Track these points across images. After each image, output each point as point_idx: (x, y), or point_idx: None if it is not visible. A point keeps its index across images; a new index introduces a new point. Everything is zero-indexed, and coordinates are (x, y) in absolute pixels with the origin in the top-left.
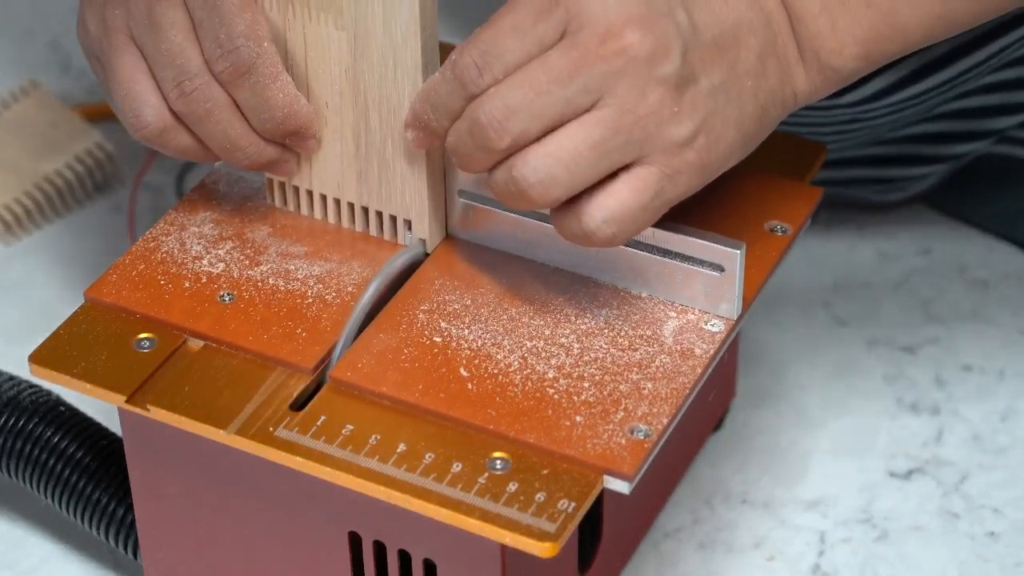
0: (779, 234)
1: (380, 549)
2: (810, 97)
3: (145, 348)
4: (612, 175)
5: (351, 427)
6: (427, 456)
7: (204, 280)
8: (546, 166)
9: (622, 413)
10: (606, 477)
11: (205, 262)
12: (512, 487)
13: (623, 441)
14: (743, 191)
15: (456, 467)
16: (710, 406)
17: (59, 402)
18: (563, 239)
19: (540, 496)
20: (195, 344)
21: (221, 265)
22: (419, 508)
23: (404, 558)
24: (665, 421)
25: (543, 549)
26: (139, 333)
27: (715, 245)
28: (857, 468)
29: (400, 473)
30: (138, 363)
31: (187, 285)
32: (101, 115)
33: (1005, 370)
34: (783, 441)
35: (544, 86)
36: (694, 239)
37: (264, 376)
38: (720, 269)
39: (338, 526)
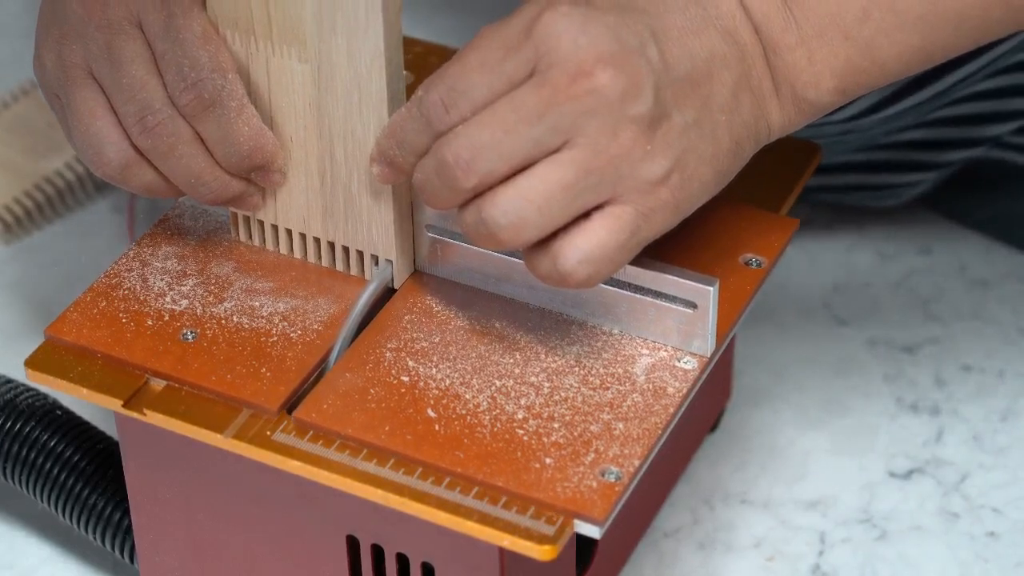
0: (754, 267)
1: (378, 553)
2: (784, 130)
3: None
4: (585, 214)
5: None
6: None
7: (167, 318)
8: (516, 208)
9: (593, 455)
10: (576, 521)
11: (168, 299)
12: None
13: (594, 484)
14: (718, 223)
15: None
16: (706, 408)
17: (56, 405)
18: (535, 276)
19: None
20: (157, 384)
21: (184, 302)
22: (417, 511)
23: (402, 561)
24: (637, 463)
25: (542, 552)
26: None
27: (687, 282)
28: (857, 468)
29: (398, 476)
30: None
31: (149, 323)
32: None
33: (1005, 370)
34: (783, 441)
35: (512, 125)
36: (666, 275)
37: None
38: (693, 306)
39: (336, 530)
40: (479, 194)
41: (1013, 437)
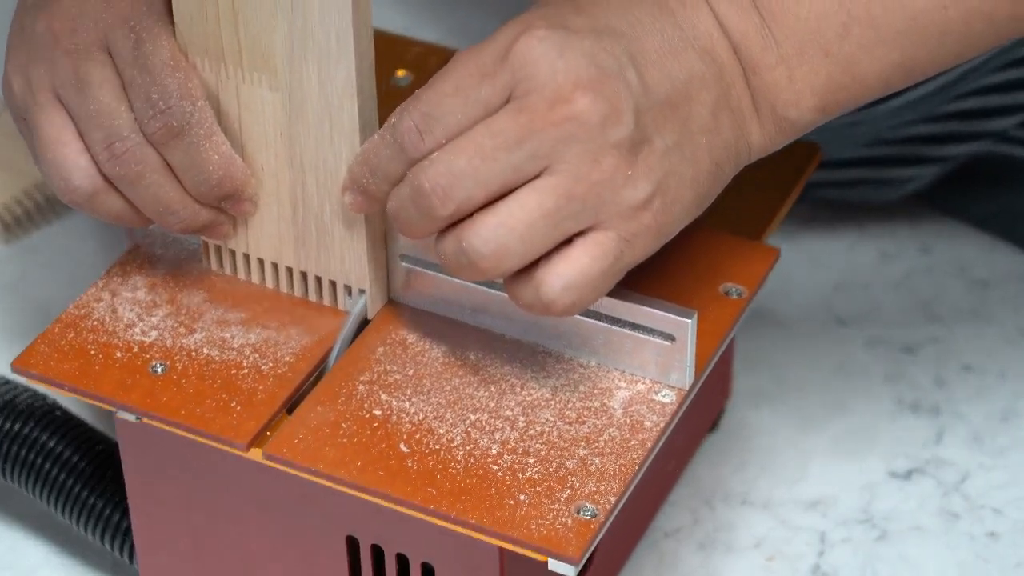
0: (734, 297)
1: (378, 553)
2: (765, 150)
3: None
4: (567, 241)
5: None
6: None
7: (136, 350)
8: (498, 237)
9: (568, 491)
10: (551, 560)
11: (137, 330)
12: None
13: (569, 521)
14: (697, 251)
15: None
16: (706, 408)
17: (55, 406)
18: (513, 306)
19: None
20: (127, 418)
21: (154, 333)
22: (417, 511)
23: (402, 562)
24: (613, 500)
25: None
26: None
27: (665, 314)
28: (857, 468)
29: None
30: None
31: (118, 355)
32: None
33: (1005, 370)
34: (783, 441)
35: (490, 152)
36: (644, 307)
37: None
38: (671, 338)
39: (336, 530)
40: (456, 223)
41: (1013, 437)
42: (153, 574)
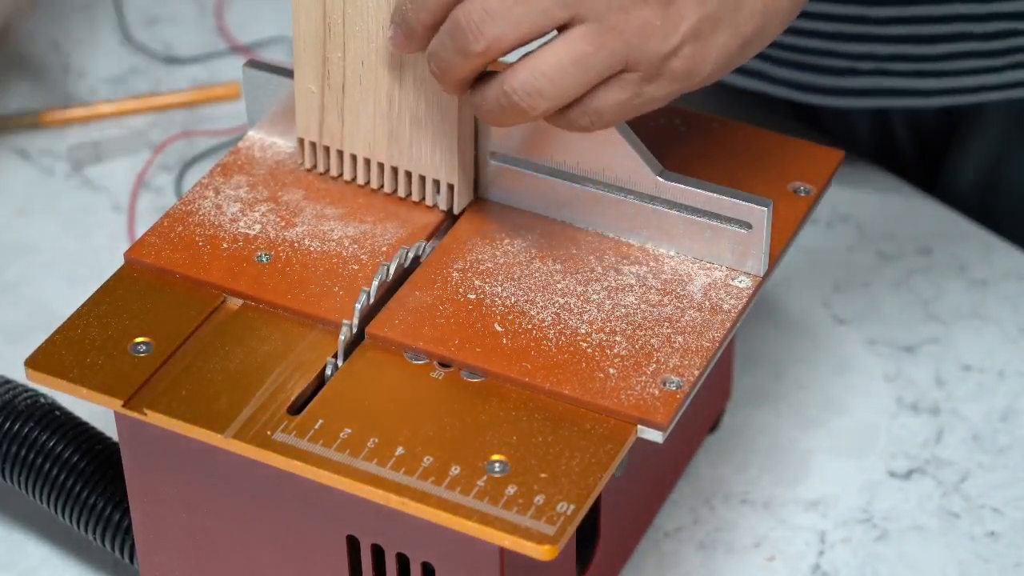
0: (802, 195)
1: (378, 552)
2: None
3: (141, 352)
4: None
5: (349, 431)
6: (425, 459)
7: (241, 241)
8: (532, 79)
9: (654, 365)
10: (640, 427)
11: (242, 224)
12: (511, 490)
13: (656, 392)
14: (765, 153)
15: (454, 470)
16: (706, 408)
17: (55, 406)
18: (597, 201)
19: (539, 499)
20: (233, 303)
21: (257, 227)
22: (417, 511)
23: (403, 561)
24: (696, 373)
25: (542, 552)
26: (136, 337)
27: (742, 202)
28: (857, 468)
29: (398, 476)
30: (134, 367)
31: (224, 246)
32: (100, 115)
33: (1005, 370)
34: (783, 441)
35: None
36: (722, 197)
37: (265, 375)
38: (747, 226)
39: (336, 530)
40: (486, 63)
41: (1013, 437)
42: (153, 574)
